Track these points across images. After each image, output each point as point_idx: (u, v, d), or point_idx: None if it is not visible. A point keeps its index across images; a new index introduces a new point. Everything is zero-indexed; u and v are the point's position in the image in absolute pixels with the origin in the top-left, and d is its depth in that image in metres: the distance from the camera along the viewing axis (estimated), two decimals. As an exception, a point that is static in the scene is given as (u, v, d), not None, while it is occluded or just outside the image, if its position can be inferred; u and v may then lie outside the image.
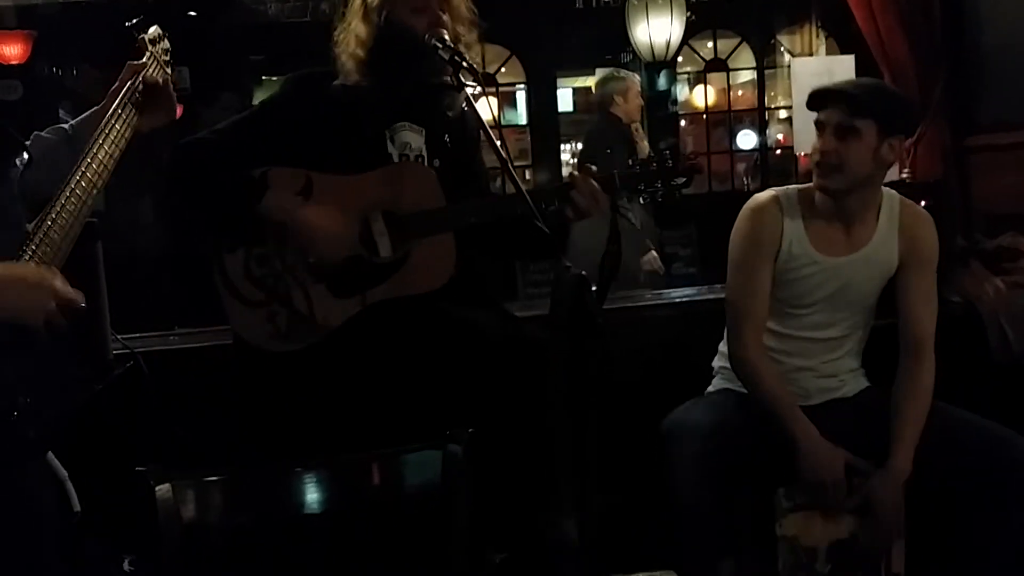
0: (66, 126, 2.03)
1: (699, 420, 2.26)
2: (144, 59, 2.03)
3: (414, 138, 2.31)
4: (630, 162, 2.25)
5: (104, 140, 1.83)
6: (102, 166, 1.79)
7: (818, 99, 2.31)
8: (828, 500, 2.22)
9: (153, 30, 2.12)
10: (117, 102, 1.91)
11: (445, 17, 2.23)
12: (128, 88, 1.95)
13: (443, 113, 2.32)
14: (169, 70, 2.11)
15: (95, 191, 1.76)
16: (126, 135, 1.89)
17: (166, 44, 2.15)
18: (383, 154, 2.27)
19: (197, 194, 2.26)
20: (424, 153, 2.32)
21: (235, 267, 2.21)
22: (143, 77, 1.98)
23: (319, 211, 2.17)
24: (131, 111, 1.92)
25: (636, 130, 5.28)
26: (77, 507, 1.90)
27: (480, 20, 2.33)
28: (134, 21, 2.09)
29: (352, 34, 2.28)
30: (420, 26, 2.20)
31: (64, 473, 1.87)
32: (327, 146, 2.23)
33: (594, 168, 2.24)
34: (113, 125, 1.87)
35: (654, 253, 5.05)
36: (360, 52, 2.26)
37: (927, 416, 2.26)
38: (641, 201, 2.31)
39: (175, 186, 2.28)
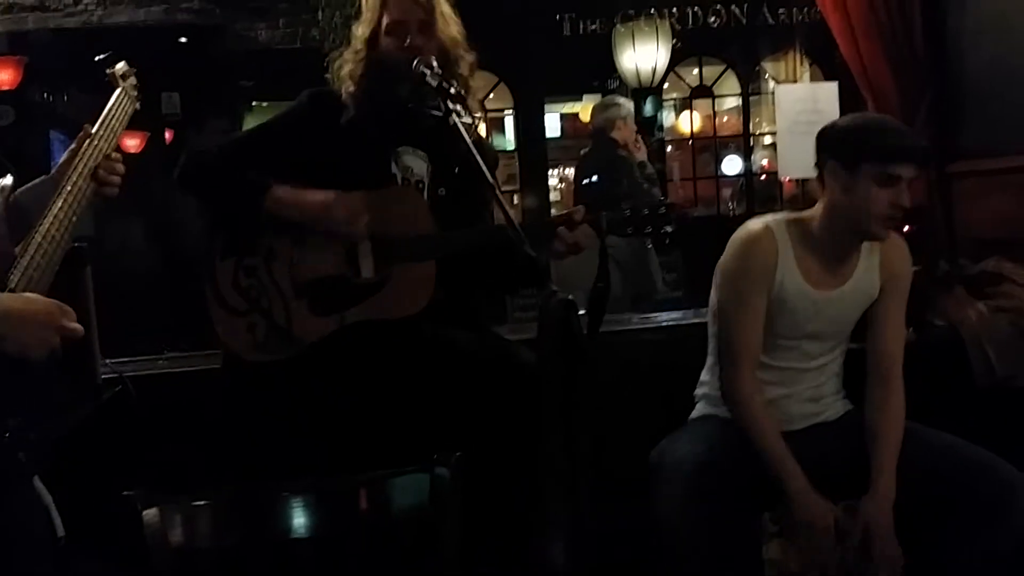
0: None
1: (683, 456, 2.24)
2: (109, 103, 2.02)
3: (417, 163, 2.34)
4: (624, 207, 2.26)
5: (64, 214, 1.80)
6: (60, 235, 1.78)
7: (901, 153, 2.20)
8: (819, 548, 2.22)
9: (120, 65, 2.14)
10: (73, 175, 1.87)
11: (433, 40, 2.26)
12: (87, 160, 1.91)
13: (449, 142, 2.34)
14: (138, 105, 2.14)
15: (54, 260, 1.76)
16: (81, 205, 1.85)
17: (134, 80, 2.17)
18: (387, 175, 2.31)
19: (205, 198, 2.33)
20: (427, 180, 2.34)
21: (224, 275, 2.25)
22: (100, 151, 1.93)
23: (324, 192, 2.20)
24: (87, 184, 1.89)
25: (638, 148, 5.44)
26: (61, 532, 1.89)
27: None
28: (103, 56, 2.12)
29: (344, 69, 2.33)
30: (403, 52, 2.23)
31: (49, 498, 1.87)
32: (333, 163, 2.26)
33: (583, 209, 2.24)
34: (73, 198, 1.83)
35: None
36: (351, 86, 2.30)
37: (911, 440, 2.27)
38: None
39: (190, 184, 2.33)
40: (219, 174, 2.28)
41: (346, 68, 2.33)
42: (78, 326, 1.62)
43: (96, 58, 2.13)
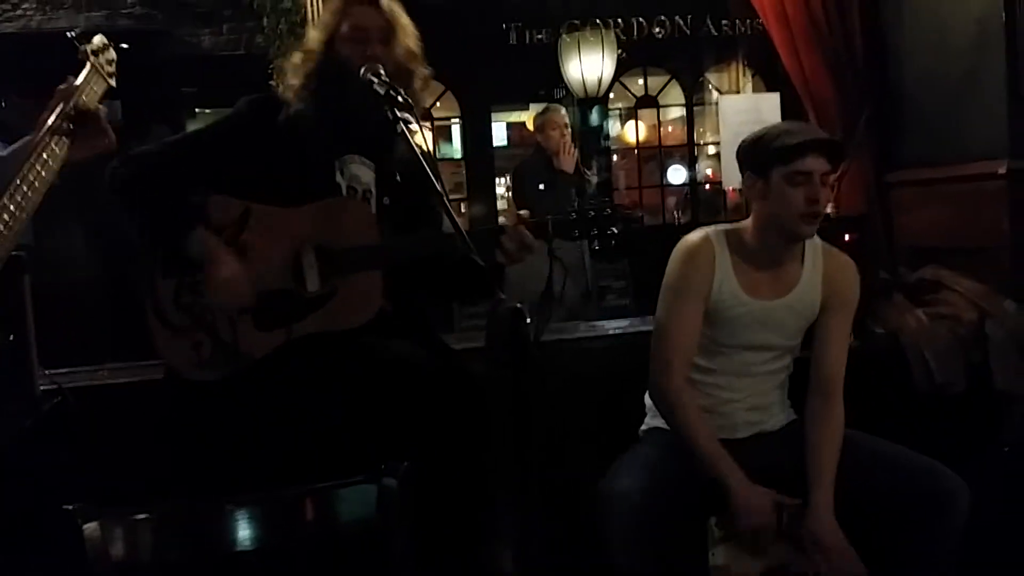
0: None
1: (630, 490, 2.22)
2: (77, 80, 1.98)
3: (364, 172, 2.32)
4: (571, 208, 2.26)
5: (29, 170, 1.78)
6: (26, 197, 1.75)
7: (800, 149, 2.25)
8: (759, 542, 2.24)
9: (98, 39, 2.08)
10: (43, 131, 1.86)
11: (391, 50, 2.25)
12: (56, 116, 1.89)
13: (393, 150, 2.32)
14: (114, 82, 2.07)
15: (19, 221, 1.72)
16: (53, 164, 1.83)
17: (111, 54, 2.11)
18: (332, 184, 2.28)
19: (137, 206, 2.24)
20: (373, 189, 2.32)
21: (166, 293, 2.21)
22: (73, 104, 1.91)
23: (228, 261, 2.15)
24: (59, 140, 1.86)
25: (569, 155, 5.40)
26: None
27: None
28: (76, 31, 2.06)
29: (291, 64, 2.30)
30: (359, 59, 2.21)
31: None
32: (275, 172, 2.23)
33: (526, 214, 2.25)
34: (39, 154, 1.81)
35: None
36: (295, 81, 2.27)
37: (852, 448, 2.30)
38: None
39: (118, 195, 2.24)
40: (156, 183, 2.20)
41: (294, 66, 2.29)
42: None
43: (68, 33, 2.07)
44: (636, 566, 2.15)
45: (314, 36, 2.32)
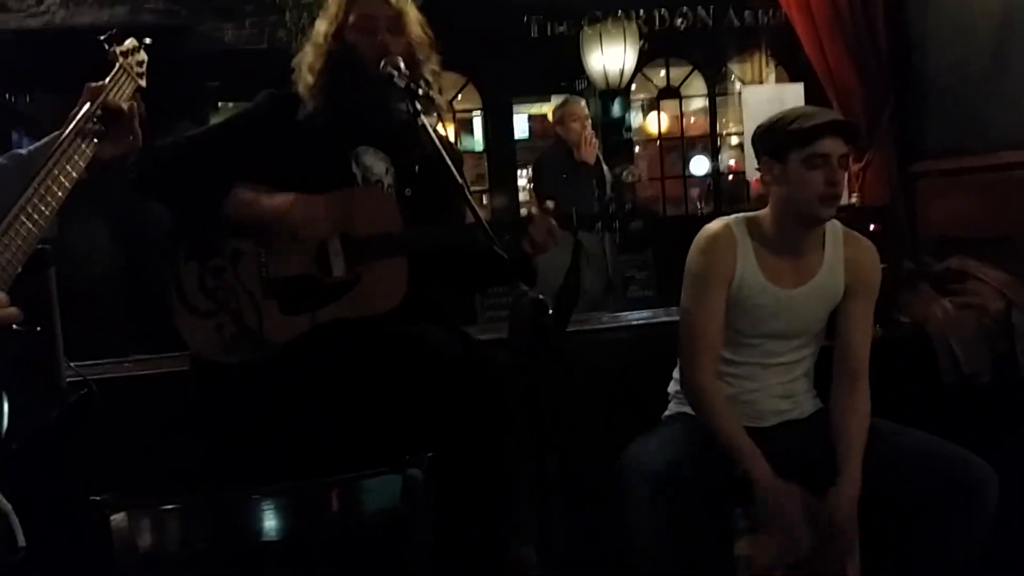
0: (24, 151, 2.00)
1: (652, 459, 2.24)
2: (106, 80, 1.99)
3: (377, 163, 2.32)
4: (595, 202, 2.28)
5: (55, 165, 1.79)
6: (51, 192, 1.76)
7: (817, 132, 2.25)
8: (787, 537, 2.23)
9: (129, 41, 2.09)
10: (71, 128, 1.86)
11: (401, 40, 2.25)
12: (84, 113, 1.88)
13: (412, 143, 2.32)
14: (144, 82, 2.08)
15: (44, 217, 1.73)
16: (80, 161, 1.84)
17: (142, 56, 2.11)
18: (347, 175, 2.28)
19: (160, 198, 2.27)
20: (386, 180, 2.32)
21: (189, 278, 2.22)
22: (102, 102, 1.91)
23: (287, 196, 2.18)
24: (86, 138, 1.87)
25: (590, 147, 5.37)
26: (22, 541, 1.86)
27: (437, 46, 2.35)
28: (109, 33, 2.06)
29: (304, 62, 2.30)
30: (370, 50, 2.22)
31: (8, 506, 1.83)
32: (293, 164, 2.24)
33: (551, 204, 2.25)
34: (65, 150, 1.82)
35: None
36: (310, 79, 2.27)
37: (879, 437, 2.29)
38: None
39: (139, 189, 2.27)
40: (177, 175, 2.23)
41: (307, 63, 2.29)
42: (14, 309, 1.58)
43: (99, 36, 2.08)
44: (653, 539, 2.14)
45: (321, 29, 2.32)
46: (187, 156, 2.26)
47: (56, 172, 1.78)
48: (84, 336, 2.47)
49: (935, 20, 3.59)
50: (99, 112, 1.89)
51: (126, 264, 6.62)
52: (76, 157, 1.83)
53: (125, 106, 1.93)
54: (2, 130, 7.17)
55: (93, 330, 2.72)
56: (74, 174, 1.81)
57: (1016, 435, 2.84)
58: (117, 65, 2.02)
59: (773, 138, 2.31)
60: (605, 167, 5.56)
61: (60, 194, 1.77)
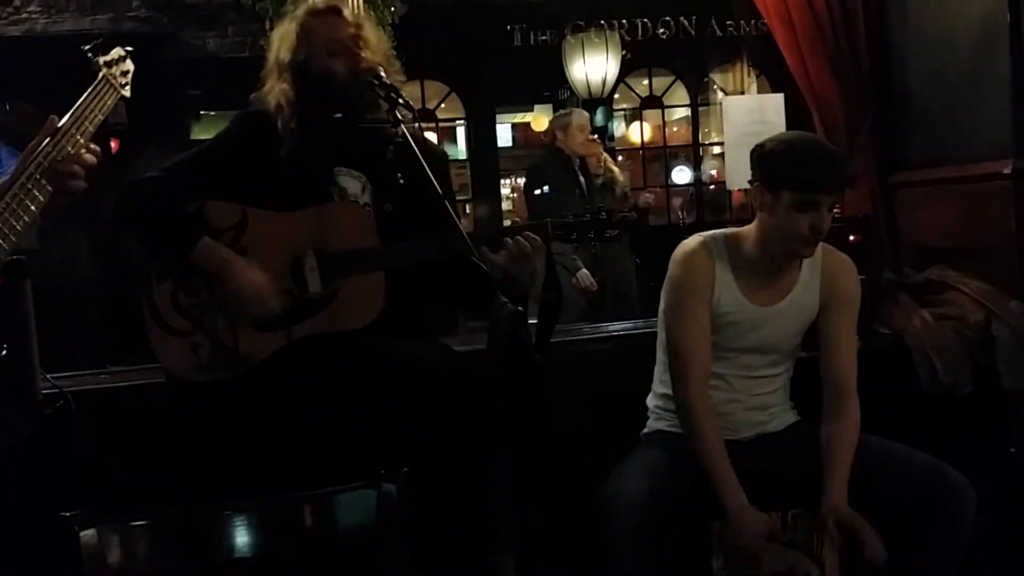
0: None
1: (633, 489, 2.23)
2: (87, 92, 1.94)
3: (351, 183, 2.31)
4: (565, 213, 2.26)
5: (7, 211, 1.75)
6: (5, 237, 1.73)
7: (817, 185, 2.23)
8: (753, 563, 2.24)
9: (114, 52, 2.07)
10: (21, 176, 1.80)
11: (366, 52, 2.25)
12: (36, 167, 1.81)
13: (388, 158, 2.31)
14: (127, 92, 2.05)
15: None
16: (34, 208, 1.78)
17: (127, 66, 2.08)
18: (324, 196, 2.27)
19: (141, 231, 2.25)
20: (367, 200, 2.31)
21: (163, 295, 2.20)
22: (53, 158, 1.83)
23: (250, 267, 2.16)
24: (39, 185, 1.80)
25: (600, 161, 5.50)
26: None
27: (419, 56, 2.34)
28: (93, 43, 2.04)
29: (273, 95, 2.28)
30: (340, 69, 2.22)
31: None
32: (271, 188, 2.23)
33: (586, 273, 2.26)
34: (19, 196, 1.77)
35: (585, 271, 5.09)
36: (287, 112, 2.25)
37: (859, 449, 2.28)
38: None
39: (122, 223, 2.26)
40: (150, 217, 2.21)
41: (277, 97, 2.27)
42: None
43: (85, 47, 2.05)
44: (639, 569, 2.15)
45: (286, 59, 2.29)
46: (167, 190, 2.23)
47: (7, 217, 1.74)
48: (61, 347, 2.44)
49: (915, 32, 3.61)
50: (49, 167, 1.82)
51: (105, 274, 6.59)
52: (30, 204, 1.79)
53: (71, 168, 1.86)
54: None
55: (71, 341, 2.69)
56: (29, 220, 1.77)
57: (996, 446, 2.85)
58: (100, 75, 2.00)
59: (771, 169, 2.28)
60: (616, 170, 5.64)
61: (13, 238, 1.74)
